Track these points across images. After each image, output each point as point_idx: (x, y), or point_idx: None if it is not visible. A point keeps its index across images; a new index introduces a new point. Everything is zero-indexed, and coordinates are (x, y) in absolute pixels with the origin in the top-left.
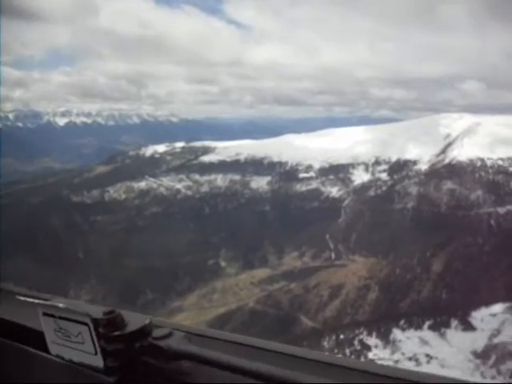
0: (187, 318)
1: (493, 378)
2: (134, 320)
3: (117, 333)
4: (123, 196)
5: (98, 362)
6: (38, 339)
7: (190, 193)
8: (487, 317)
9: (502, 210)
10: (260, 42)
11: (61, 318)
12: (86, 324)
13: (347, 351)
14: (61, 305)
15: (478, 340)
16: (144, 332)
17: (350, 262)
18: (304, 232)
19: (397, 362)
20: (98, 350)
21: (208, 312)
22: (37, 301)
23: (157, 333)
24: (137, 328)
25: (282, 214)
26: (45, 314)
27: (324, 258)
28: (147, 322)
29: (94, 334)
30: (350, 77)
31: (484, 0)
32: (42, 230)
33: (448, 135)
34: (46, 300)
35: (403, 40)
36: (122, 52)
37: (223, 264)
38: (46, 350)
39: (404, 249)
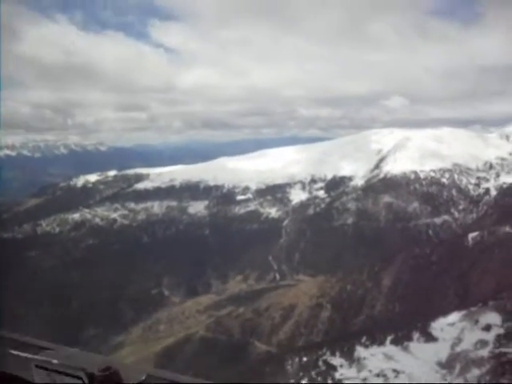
0: (133, 352)
1: None
2: (131, 374)
3: None
4: (57, 229)
5: None
6: None
7: (126, 222)
8: (446, 326)
9: (438, 221)
10: (189, 65)
11: (54, 371)
12: (80, 378)
13: (313, 373)
14: (55, 361)
15: (441, 350)
16: None
17: (296, 281)
18: (246, 255)
19: (365, 379)
20: None
21: (155, 344)
22: (30, 356)
23: None
24: None
25: (223, 237)
26: (37, 367)
27: (268, 279)
28: (143, 377)
29: None
30: (278, 97)
31: (410, 18)
32: None
33: (380, 150)
34: (43, 348)
35: (331, 59)
36: (47, 80)
37: (166, 293)
38: None
39: (351, 265)
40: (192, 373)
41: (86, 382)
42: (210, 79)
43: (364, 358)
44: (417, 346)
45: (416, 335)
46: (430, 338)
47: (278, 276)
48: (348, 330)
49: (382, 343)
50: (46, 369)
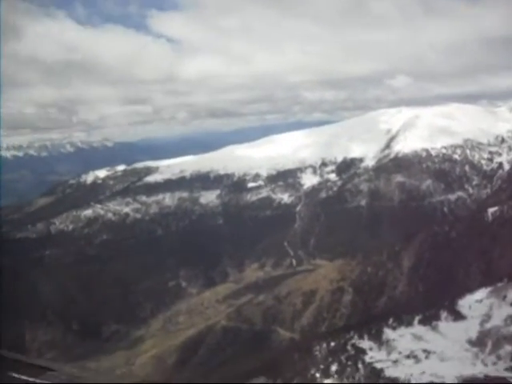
0: (155, 344)
1: (494, 364)
2: None
3: None
4: (70, 226)
5: None
6: None
7: (139, 215)
8: (474, 304)
9: (452, 197)
10: (191, 54)
11: None
12: None
13: (342, 358)
14: None
15: (470, 328)
16: None
17: (314, 266)
18: (261, 242)
19: (396, 361)
20: None
21: (176, 336)
22: (31, 380)
23: None
24: None
25: (236, 226)
26: None
27: (285, 265)
28: None
29: None
30: (281, 83)
31: None
32: None
33: (389, 130)
34: (45, 368)
35: (333, 40)
36: (49, 78)
37: (184, 284)
38: None
39: (368, 247)
40: (218, 362)
41: None
42: (213, 68)
43: (393, 340)
44: (445, 324)
45: (444, 314)
46: (458, 316)
47: (294, 262)
48: (372, 313)
49: (409, 324)
50: None
